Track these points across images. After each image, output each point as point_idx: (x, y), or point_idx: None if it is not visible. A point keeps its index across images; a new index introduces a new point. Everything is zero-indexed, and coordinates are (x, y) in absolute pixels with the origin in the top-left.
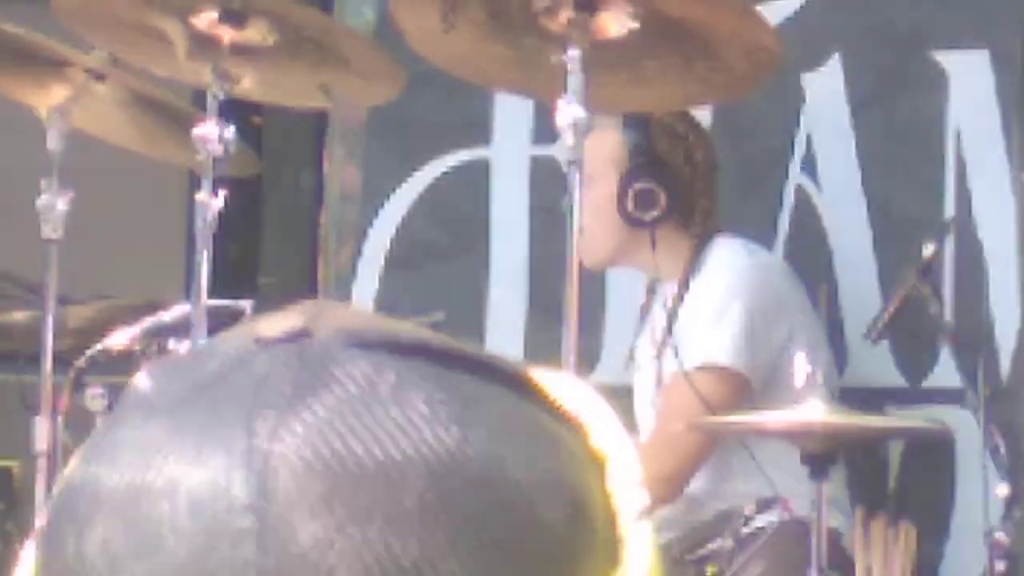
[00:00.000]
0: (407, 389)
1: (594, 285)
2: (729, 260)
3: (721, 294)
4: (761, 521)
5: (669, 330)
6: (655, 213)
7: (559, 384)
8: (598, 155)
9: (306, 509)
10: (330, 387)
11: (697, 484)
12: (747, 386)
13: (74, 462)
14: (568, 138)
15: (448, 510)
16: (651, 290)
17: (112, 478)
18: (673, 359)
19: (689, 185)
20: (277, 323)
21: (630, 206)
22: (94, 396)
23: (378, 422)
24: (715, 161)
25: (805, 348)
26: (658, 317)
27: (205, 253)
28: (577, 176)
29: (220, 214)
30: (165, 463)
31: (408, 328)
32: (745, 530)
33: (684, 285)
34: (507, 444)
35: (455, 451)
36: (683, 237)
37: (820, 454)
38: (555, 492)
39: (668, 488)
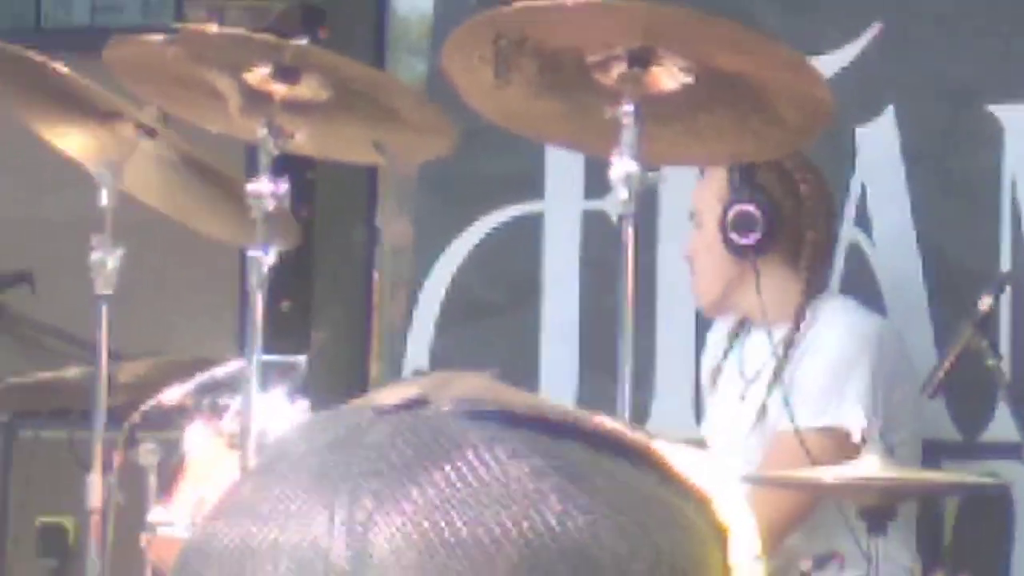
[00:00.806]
0: (514, 461)
1: (644, 340)
2: (853, 319)
3: (847, 355)
4: None
5: (776, 378)
6: (754, 235)
7: (681, 456)
8: (705, 196)
9: (400, 575)
10: (437, 458)
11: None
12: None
13: (202, 519)
14: (621, 192)
15: None
16: (741, 322)
17: (224, 537)
18: (782, 411)
19: (793, 218)
20: (397, 392)
21: (730, 231)
22: (147, 452)
23: (480, 494)
24: (827, 199)
25: (910, 413)
26: (751, 355)
27: (259, 308)
28: (631, 230)
29: (272, 269)
30: (272, 525)
31: (526, 398)
32: None
33: (795, 332)
34: (613, 515)
35: (553, 522)
36: (790, 279)
37: (877, 509)
38: (660, 563)
39: (766, 541)
